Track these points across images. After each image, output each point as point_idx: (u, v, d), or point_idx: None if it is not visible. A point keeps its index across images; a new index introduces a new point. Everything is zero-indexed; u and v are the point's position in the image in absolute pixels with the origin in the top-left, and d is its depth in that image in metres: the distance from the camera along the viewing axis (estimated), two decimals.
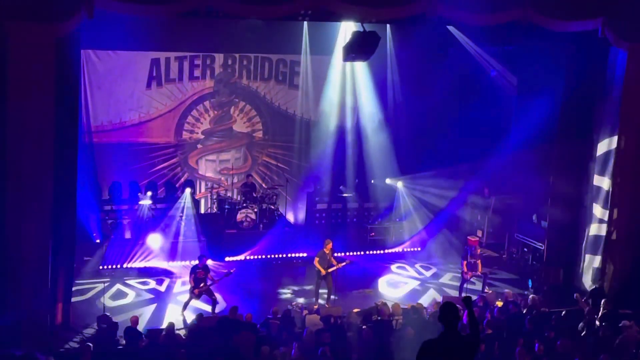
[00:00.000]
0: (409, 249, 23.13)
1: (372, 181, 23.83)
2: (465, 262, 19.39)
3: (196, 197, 22.50)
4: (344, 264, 18.76)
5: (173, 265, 20.57)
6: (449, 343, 7.65)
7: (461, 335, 8.14)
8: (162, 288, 19.51)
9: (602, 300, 17.16)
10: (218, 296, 17.86)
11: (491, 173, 22.56)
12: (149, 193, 21.08)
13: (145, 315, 17.66)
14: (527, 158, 21.20)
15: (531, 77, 21.45)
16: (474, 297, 17.66)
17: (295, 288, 19.92)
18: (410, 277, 21.29)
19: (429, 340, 8.15)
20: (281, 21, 20.17)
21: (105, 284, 18.33)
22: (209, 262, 18.83)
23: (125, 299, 18.72)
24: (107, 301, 17.53)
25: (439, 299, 18.21)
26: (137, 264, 20.31)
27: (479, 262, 19.50)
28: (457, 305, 8.37)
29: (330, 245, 18.65)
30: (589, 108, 19.37)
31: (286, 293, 19.57)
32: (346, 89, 23.61)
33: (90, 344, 15.19)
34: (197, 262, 17.93)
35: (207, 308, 17.59)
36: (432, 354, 7.66)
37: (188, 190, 21.24)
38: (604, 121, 19.07)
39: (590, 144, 19.56)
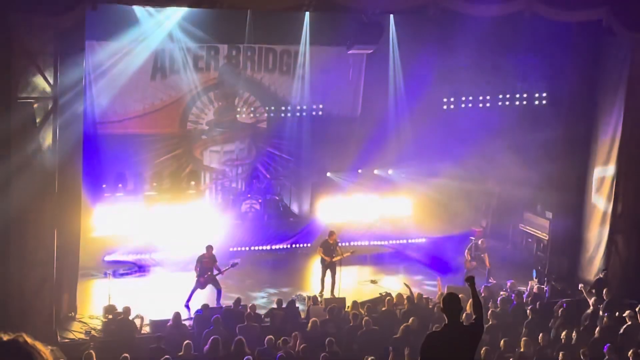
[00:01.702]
0: (413, 240, 23.14)
1: (375, 171, 23.81)
2: (468, 252, 19.42)
3: (201, 188, 22.53)
4: (348, 253, 18.82)
5: (179, 256, 20.60)
6: (453, 335, 7.65)
7: (464, 326, 8.15)
8: (168, 278, 19.57)
9: (604, 290, 17.20)
10: (223, 286, 17.93)
11: (495, 163, 22.54)
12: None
13: (151, 305, 17.72)
14: (531, 148, 21.18)
15: (536, 67, 21.44)
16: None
17: (299, 279, 19.96)
18: (414, 268, 21.33)
19: (432, 333, 8.19)
20: (285, 12, 20.15)
21: (111, 275, 18.38)
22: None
23: (131, 289, 18.78)
24: (113, 292, 17.57)
25: (443, 288, 18.21)
26: (143, 254, 20.35)
27: (485, 255, 19.51)
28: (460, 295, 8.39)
29: (334, 237, 18.74)
30: (594, 98, 19.36)
31: (290, 283, 19.60)
32: (350, 78, 23.62)
33: (96, 334, 15.34)
34: (203, 251, 18.01)
35: (212, 298, 17.65)
36: (436, 347, 7.66)
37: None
38: (609, 111, 19.06)
39: (595, 135, 19.56)
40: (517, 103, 22.45)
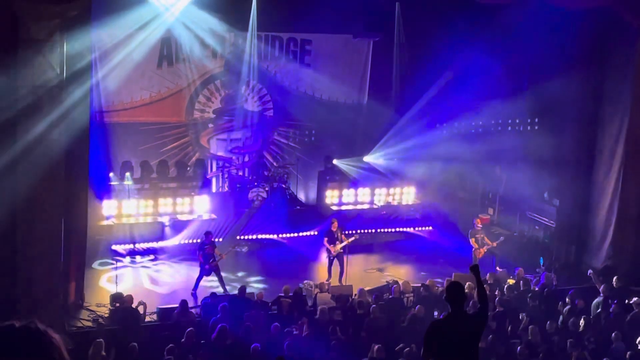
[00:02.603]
0: (420, 228, 23.15)
1: (381, 159, 23.80)
2: (473, 240, 19.39)
3: (208, 177, 22.56)
4: (352, 239, 18.85)
5: (184, 244, 20.65)
6: (456, 323, 7.67)
7: (468, 314, 8.16)
8: (174, 266, 19.62)
9: (614, 278, 17.18)
10: (228, 274, 18.01)
11: (502, 150, 22.49)
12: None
13: (158, 293, 17.81)
14: (538, 135, 21.13)
15: (543, 54, 21.33)
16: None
17: (306, 266, 19.95)
18: (422, 255, 21.34)
19: (436, 321, 8.22)
20: None
21: (118, 263, 18.45)
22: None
23: (137, 277, 18.85)
24: (120, 280, 17.64)
25: (450, 277, 18.21)
26: (150, 243, 20.40)
27: (483, 236, 19.46)
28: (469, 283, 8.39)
29: (336, 224, 18.78)
30: (602, 85, 19.30)
31: (297, 271, 19.58)
32: (356, 65, 23.63)
33: (103, 322, 15.39)
34: (203, 239, 18.09)
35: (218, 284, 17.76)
36: (440, 335, 7.68)
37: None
38: (617, 98, 19.00)
39: (602, 121, 19.50)
40: (525, 89, 22.35)
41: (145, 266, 19.62)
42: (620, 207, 18.95)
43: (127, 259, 19.86)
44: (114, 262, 18.60)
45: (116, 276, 17.63)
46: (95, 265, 18.99)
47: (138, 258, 20.04)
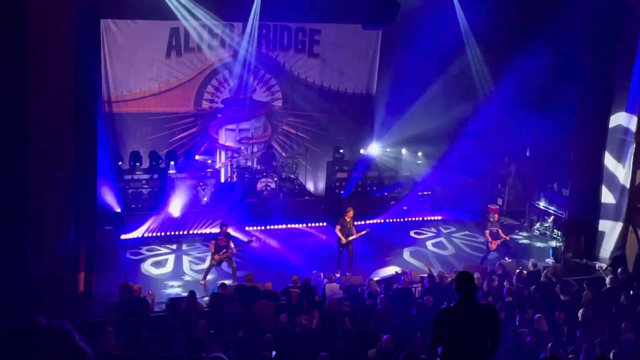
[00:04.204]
0: (429, 217, 23.12)
1: (388, 150, 23.77)
2: (488, 232, 19.33)
3: (216, 167, 22.56)
4: (363, 232, 18.76)
5: (193, 233, 20.68)
6: (466, 311, 7.63)
7: (479, 304, 8.10)
8: (183, 256, 19.64)
9: (619, 269, 17.13)
10: (238, 265, 18.02)
11: (511, 141, 22.43)
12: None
13: (166, 283, 17.83)
14: (548, 126, 21.05)
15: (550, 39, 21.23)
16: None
17: (315, 257, 19.94)
18: (431, 246, 21.31)
19: (445, 308, 8.15)
20: None
21: (127, 253, 18.49)
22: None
23: (146, 267, 18.87)
24: (128, 269, 17.67)
25: (459, 267, 18.18)
26: (158, 232, 20.41)
27: (499, 230, 19.44)
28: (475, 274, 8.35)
29: (351, 213, 18.63)
30: (610, 70, 19.20)
31: (306, 262, 19.57)
32: (365, 55, 23.57)
33: (112, 313, 15.41)
34: (218, 229, 18.08)
35: (228, 276, 17.75)
36: (449, 322, 7.64)
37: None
38: (626, 84, 18.90)
39: (612, 108, 19.39)
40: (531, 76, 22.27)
41: (154, 255, 19.62)
42: (630, 197, 18.87)
43: (136, 247, 19.95)
44: (125, 251, 18.67)
45: (125, 266, 17.68)
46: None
47: (146, 247, 20.11)
